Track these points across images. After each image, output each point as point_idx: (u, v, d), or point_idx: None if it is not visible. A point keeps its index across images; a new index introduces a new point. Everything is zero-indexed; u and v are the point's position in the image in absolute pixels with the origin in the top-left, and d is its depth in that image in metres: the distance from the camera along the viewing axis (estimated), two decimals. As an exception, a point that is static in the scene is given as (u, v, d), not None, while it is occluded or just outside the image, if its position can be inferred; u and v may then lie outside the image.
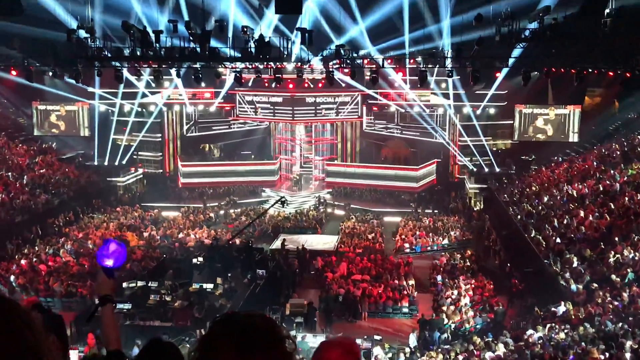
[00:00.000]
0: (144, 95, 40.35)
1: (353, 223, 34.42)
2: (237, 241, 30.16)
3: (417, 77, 27.41)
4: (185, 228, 32.97)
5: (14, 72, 29.82)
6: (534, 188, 31.17)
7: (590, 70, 26.61)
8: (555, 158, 37.10)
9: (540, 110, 38.35)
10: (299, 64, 27.89)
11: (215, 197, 40.30)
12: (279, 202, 31.53)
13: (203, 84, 35.69)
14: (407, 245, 30.56)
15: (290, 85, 38.74)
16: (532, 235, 23.95)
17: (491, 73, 30.88)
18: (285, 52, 25.78)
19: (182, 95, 41.23)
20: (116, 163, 41.48)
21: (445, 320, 20.77)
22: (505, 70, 29.93)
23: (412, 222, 34.30)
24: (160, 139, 43.17)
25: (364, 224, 34.32)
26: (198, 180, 41.41)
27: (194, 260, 24.45)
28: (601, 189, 25.09)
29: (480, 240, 31.48)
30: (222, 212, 37.69)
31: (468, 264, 26.88)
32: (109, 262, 3.39)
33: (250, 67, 28.31)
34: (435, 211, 37.03)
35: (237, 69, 27.61)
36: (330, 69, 27.26)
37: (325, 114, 41.46)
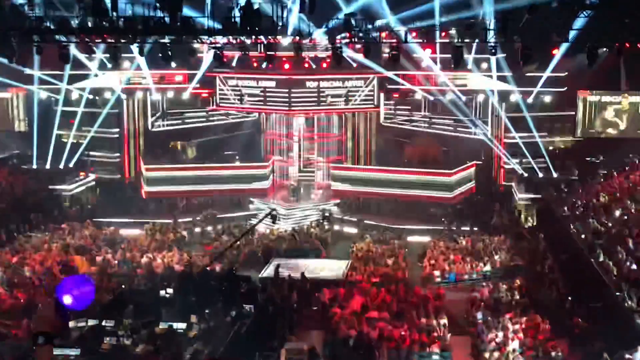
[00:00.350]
0: (97, 80, 40.41)
1: (368, 244, 34.34)
2: (217, 267, 30.05)
3: (450, 56, 27.41)
4: (150, 250, 32.94)
5: None
6: (602, 199, 31.07)
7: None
8: (630, 160, 37.05)
9: (611, 98, 38.36)
10: (297, 38, 27.95)
11: (189, 211, 40.19)
12: (269, 217, 31.53)
13: (173, 65, 35.48)
14: (437, 273, 30.47)
15: (286, 66, 38.75)
16: (600, 260, 23.87)
17: (547, 50, 30.93)
18: (280, 23, 25.87)
19: (147, 79, 41.31)
20: (61, 166, 41.56)
21: (488, 371, 20.71)
22: (564, 46, 29.98)
23: (444, 243, 34.22)
24: (118, 136, 43.21)
25: (381, 246, 34.25)
26: (167, 189, 41.23)
27: (162, 293, 24.40)
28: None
29: (532, 266, 31.35)
30: (197, 229, 37.66)
31: (517, 297, 26.77)
32: (68, 300, 3.34)
33: (234, 42, 28.34)
34: (475, 229, 36.98)
35: (218, 45, 27.68)
36: (338, 45, 27.30)
37: (332, 103, 41.46)
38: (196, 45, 29.78)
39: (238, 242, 33.72)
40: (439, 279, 30.17)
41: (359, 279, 29.27)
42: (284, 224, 39.23)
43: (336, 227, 39.00)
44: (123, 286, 27.22)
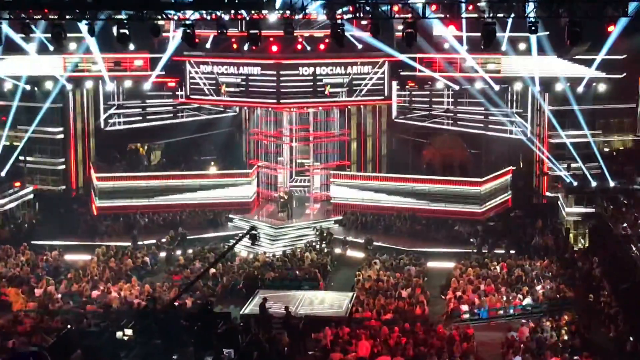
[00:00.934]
0: (36, 66, 40.38)
1: (377, 272, 34.32)
2: (188, 302, 29.92)
3: (479, 35, 27.42)
4: (103, 281, 32.86)
5: None
6: (672, 213, 31.10)
7: None
8: None
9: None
10: (288, 13, 27.94)
11: (153, 231, 40.16)
12: (248, 237, 31.32)
13: (132, 47, 35.68)
14: (465, 307, 30.36)
15: (274, 48, 38.73)
16: (669, 291, 23.82)
17: (600, 27, 30.89)
18: (266, -6, 25.91)
19: (98, 65, 41.33)
20: (-10, 175, 41.54)
21: None
22: (623, 22, 29.97)
23: (473, 270, 34.19)
24: (62, 136, 43.24)
25: (394, 274, 34.21)
26: (124, 203, 41.31)
27: (118, 334, 24.28)
28: None
29: (585, 298, 31.30)
30: (163, 254, 37.60)
31: (565, 337, 26.67)
32: None
33: (208, 18, 28.34)
34: (511, 251, 36.97)
35: (188, 22, 27.65)
36: (339, 21, 27.29)
37: (332, 94, 41.52)
38: (160, 23, 29.65)
39: (213, 270, 33.62)
40: (466, 315, 30.03)
41: (366, 316, 29.16)
42: (270, 246, 39.21)
43: (337, 251, 38.95)
44: (69, 326, 26.97)
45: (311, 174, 43.95)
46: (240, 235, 34.56)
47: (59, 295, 31.10)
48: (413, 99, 45.39)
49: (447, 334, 26.90)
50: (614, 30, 32.43)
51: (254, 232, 30.54)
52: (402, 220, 40.77)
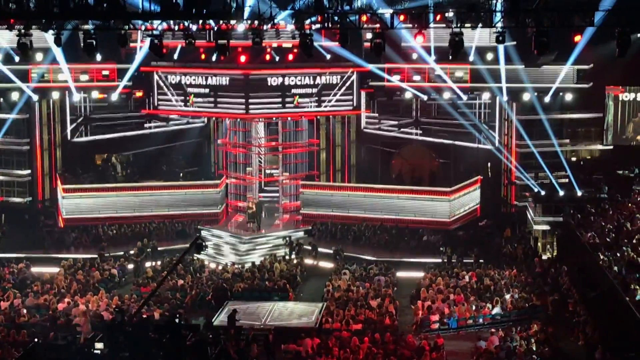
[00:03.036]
0: (1, 77, 40.09)
1: (347, 282, 34.34)
2: (156, 314, 29.75)
3: (447, 45, 27.58)
4: (70, 293, 32.61)
5: None
6: (638, 222, 31.31)
7: None
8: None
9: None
10: (256, 23, 27.98)
11: (121, 242, 39.95)
12: (195, 247, 31.14)
13: (99, 57, 35.50)
14: (435, 317, 30.42)
15: (243, 58, 38.70)
16: (637, 299, 24.01)
17: (567, 36, 31.23)
18: (234, 4, 25.87)
19: (65, 75, 41.08)
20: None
21: None
22: (590, 31, 30.28)
23: (442, 279, 34.29)
24: (28, 147, 42.93)
25: (364, 283, 34.26)
26: (91, 215, 41.09)
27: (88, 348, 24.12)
28: None
29: (553, 307, 31.51)
30: (131, 266, 37.40)
31: (534, 347, 26.77)
32: None
33: (176, 28, 28.33)
34: (481, 261, 37.03)
35: (155, 32, 27.61)
36: (307, 31, 27.35)
37: (301, 105, 41.51)
38: (128, 33, 29.56)
39: (182, 282, 33.46)
40: (436, 325, 30.02)
41: (336, 327, 29.12)
42: (238, 258, 39.13)
43: (307, 261, 38.87)
44: (36, 340, 26.78)
45: (280, 184, 43.86)
46: (189, 246, 34.47)
47: (24, 310, 30.70)
48: (382, 109, 45.41)
49: (416, 344, 26.96)
50: (581, 40, 32.83)
51: (199, 240, 30.53)
52: (371, 230, 40.78)
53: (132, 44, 36.09)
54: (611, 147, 40.31)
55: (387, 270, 36.35)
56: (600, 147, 41.45)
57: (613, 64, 33.11)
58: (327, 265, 38.47)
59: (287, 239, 40.37)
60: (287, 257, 38.67)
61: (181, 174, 44.14)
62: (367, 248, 39.70)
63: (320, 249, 39.53)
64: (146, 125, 45.03)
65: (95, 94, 42.77)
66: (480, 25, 28.81)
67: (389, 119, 45.68)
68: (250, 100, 40.51)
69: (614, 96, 38.74)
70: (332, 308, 31.15)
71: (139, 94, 43.15)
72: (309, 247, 39.59)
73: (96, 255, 37.64)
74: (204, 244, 30.43)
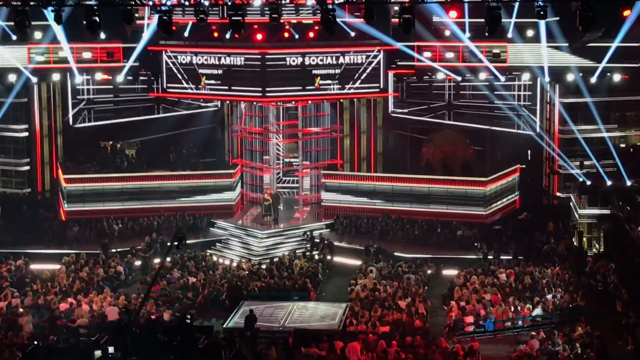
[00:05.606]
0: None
1: (373, 280, 34.20)
2: (166, 315, 29.68)
3: (483, 20, 27.33)
4: (72, 292, 32.60)
5: None
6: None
7: None
8: None
9: None
10: (274, -3, 27.85)
11: (127, 237, 40.03)
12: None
13: (103, 36, 35.42)
14: (469, 319, 30.28)
15: (259, 36, 38.56)
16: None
17: (615, 10, 30.79)
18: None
19: (66, 56, 41.04)
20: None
21: None
22: (640, 6, 29.94)
23: (477, 278, 34.13)
24: (26, 134, 42.98)
25: (392, 282, 34.09)
26: (95, 207, 41.11)
27: (96, 353, 24.08)
28: None
29: (600, 308, 31.28)
30: (138, 262, 37.38)
31: (579, 351, 26.60)
32: None
33: (186, 3, 28.17)
34: (520, 257, 36.87)
35: (164, 8, 27.44)
36: (330, 6, 27.14)
37: (322, 87, 41.38)
38: (134, 9, 29.49)
39: (194, 280, 33.40)
40: (471, 328, 29.92)
41: (361, 329, 29.05)
42: (254, 254, 39.08)
43: (330, 258, 38.81)
44: (36, 342, 26.77)
45: (300, 174, 43.73)
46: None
47: (22, 310, 30.72)
48: (411, 91, 45.24)
49: (449, 349, 26.93)
50: (630, 15, 32.36)
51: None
52: (399, 223, 40.62)
53: (138, 21, 36.16)
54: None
55: (417, 268, 36.16)
56: (651, 132, 41.26)
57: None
58: (351, 262, 38.38)
59: (308, 233, 40.26)
60: (307, 254, 38.57)
61: (200, 163, 44.11)
62: (395, 243, 39.57)
63: (344, 245, 39.52)
64: (155, 109, 44.99)
65: (99, 76, 42.69)
66: (519, -2, 28.59)
67: (419, 103, 45.34)
68: (268, 83, 40.37)
69: (666, 76, 38.46)
70: (357, 309, 31.09)
71: (146, 76, 43.04)
72: (319, 242, 39.62)
73: (100, 251, 37.63)
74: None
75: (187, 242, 39.24)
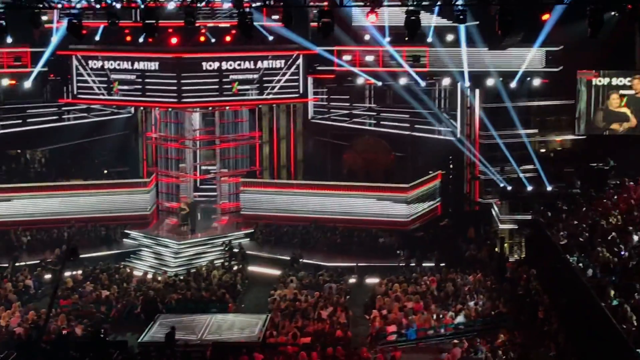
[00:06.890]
0: None
1: (293, 291, 34.32)
2: (78, 330, 29.45)
3: (403, 25, 27.62)
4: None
5: None
6: (614, 220, 31.62)
7: None
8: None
9: (622, 81, 38.89)
10: (189, 0, 27.81)
11: (36, 250, 39.54)
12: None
13: (9, 39, 34.98)
14: (392, 328, 30.45)
15: (174, 40, 38.42)
16: (612, 304, 24.25)
17: (534, 15, 31.44)
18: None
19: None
20: None
21: None
22: (559, 9, 30.50)
23: (399, 286, 34.40)
24: None
25: (313, 292, 34.25)
26: (2, 219, 40.62)
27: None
28: None
29: (521, 315, 31.72)
30: (48, 276, 36.96)
31: (502, 357, 26.95)
32: None
33: (97, 6, 28.03)
34: (442, 264, 37.29)
35: (73, 11, 27.28)
36: (247, 10, 27.25)
37: (240, 92, 41.36)
38: (42, 12, 29.24)
39: (107, 293, 33.19)
40: (393, 337, 30.06)
41: (281, 341, 29.10)
42: (170, 265, 38.93)
43: (250, 268, 38.85)
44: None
45: (218, 182, 43.67)
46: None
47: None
48: (331, 97, 45.42)
49: (372, 358, 27.05)
50: (550, 19, 33.01)
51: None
52: (320, 232, 40.82)
53: (47, 25, 35.72)
54: (584, 137, 40.50)
55: (338, 277, 36.42)
56: (571, 137, 41.70)
57: (585, 45, 33.20)
58: (270, 272, 38.42)
59: (227, 243, 40.23)
60: (226, 264, 38.53)
61: (105, 171, 43.75)
62: (316, 252, 39.71)
63: (265, 254, 39.61)
64: (64, 116, 44.46)
65: (6, 81, 42.08)
66: (438, 2, 28.93)
67: (339, 108, 45.53)
68: (183, 88, 40.24)
69: (586, 81, 38.80)
70: (278, 320, 31.13)
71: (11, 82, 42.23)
72: (252, 253, 39.60)
73: (6, 265, 37.14)
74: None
75: (100, 253, 39.38)
